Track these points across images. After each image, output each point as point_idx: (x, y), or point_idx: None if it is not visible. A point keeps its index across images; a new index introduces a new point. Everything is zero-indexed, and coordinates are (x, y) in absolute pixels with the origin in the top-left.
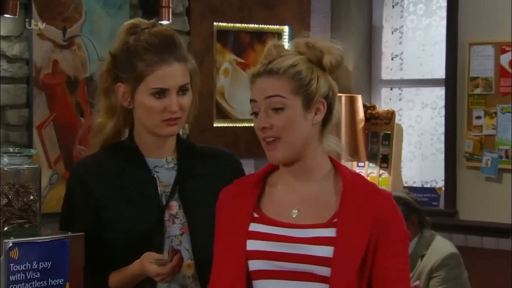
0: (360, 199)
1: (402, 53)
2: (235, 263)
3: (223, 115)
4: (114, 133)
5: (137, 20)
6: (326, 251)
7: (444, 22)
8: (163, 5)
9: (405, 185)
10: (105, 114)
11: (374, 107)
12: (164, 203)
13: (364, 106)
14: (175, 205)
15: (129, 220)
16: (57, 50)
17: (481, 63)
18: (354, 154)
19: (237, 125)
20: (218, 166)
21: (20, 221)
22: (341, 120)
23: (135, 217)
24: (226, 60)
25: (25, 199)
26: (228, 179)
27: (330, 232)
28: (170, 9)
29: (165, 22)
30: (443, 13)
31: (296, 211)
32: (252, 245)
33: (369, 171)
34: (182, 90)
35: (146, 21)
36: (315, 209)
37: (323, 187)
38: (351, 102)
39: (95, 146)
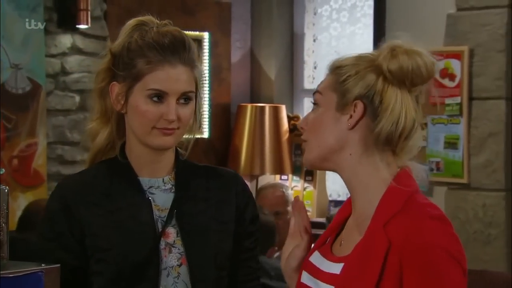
0: (381, 226)
1: (324, 62)
2: None
3: None
4: (106, 145)
5: (147, 17)
6: None
7: (370, 30)
8: (81, 8)
9: (330, 198)
10: (99, 119)
11: (297, 118)
12: (160, 229)
13: (287, 116)
14: (172, 232)
15: (119, 249)
16: None
17: None
18: (278, 167)
19: None
20: (222, 189)
21: None
22: (264, 132)
23: (126, 246)
24: None
25: None
26: (232, 203)
27: (337, 269)
28: (89, 13)
29: (83, 27)
30: (368, 21)
31: (343, 240)
32: (302, 277)
33: (293, 184)
34: (184, 98)
35: (157, 20)
36: (352, 237)
37: (368, 211)
38: (275, 113)
39: (89, 156)
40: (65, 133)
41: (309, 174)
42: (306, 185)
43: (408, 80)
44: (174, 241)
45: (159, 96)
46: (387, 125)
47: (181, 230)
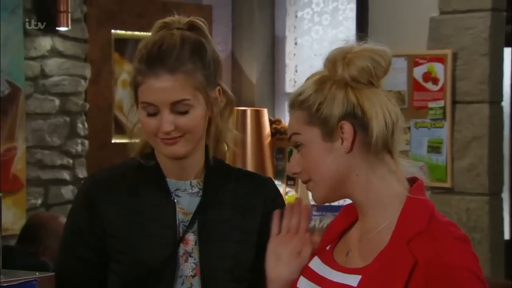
0: (404, 242)
1: (306, 65)
2: None
3: (122, 130)
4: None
5: (171, 18)
6: None
7: (352, 33)
8: (61, 9)
9: (312, 203)
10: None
11: (279, 122)
12: (180, 235)
13: (269, 120)
14: (191, 240)
15: (138, 251)
16: None
17: (394, 76)
18: (260, 171)
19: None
20: (251, 196)
21: None
22: (246, 136)
23: (145, 248)
24: (125, 70)
25: None
26: (259, 212)
27: (353, 280)
28: (69, 15)
29: (63, 29)
30: (350, 24)
31: (350, 251)
32: (300, 282)
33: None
34: (178, 107)
35: (181, 20)
36: (364, 250)
37: (385, 226)
38: (257, 116)
39: (133, 148)
40: (45, 137)
41: (291, 178)
42: (288, 189)
43: (373, 77)
44: (192, 250)
45: (152, 108)
46: (379, 131)
47: (200, 238)
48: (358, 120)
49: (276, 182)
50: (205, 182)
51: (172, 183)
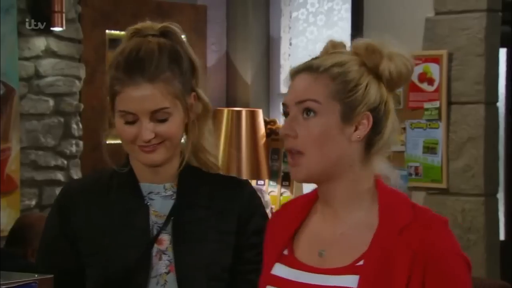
0: (395, 235)
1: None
2: None
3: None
4: None
5: (143, 24)
6: None
7: (347, 34)
8: (56, 10)
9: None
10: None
11: (274, 122)
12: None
13: (264, 121)
14: (166, 239)
15: (109, 253)
16: None
17: None
18: (255, 172)
19: None
20: (226, 198)
21: None
22: (241, 137)
23: (114, 251)
24: None
25: None
26: (234, 214)
27: (351, 281)
28: (64, 15)
29: (57, 29)
30: (345, 25)
31: (323, 250)
32: None
33: (269, 189)
34: (157, 116)
35: (154, 26)
36: (345, 247)
37: (361, 219)
38: (252, 117)
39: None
40: (39, 138)
41: (286, 179)
42: (283, 190)
43: (399, 84)
44: (166, 248)
45: (131, 117)
46: (387, 134)
47: (174, 237)
48: (378, 116)
49: (271, 183)
50: (179, 185)
51: (145, 186)
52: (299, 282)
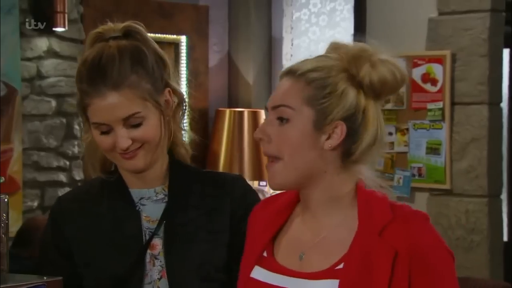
0: (375, 236)
1: None
2: None
3: None
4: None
5: (104, 26)
6: None
7: (350, 34)
8: (58, 10)
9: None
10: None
11: None
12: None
13: None
14: (158, 244)
15: (101, 262)
16: None
17: None
18: (257, 173)
19: None
20: (218, 195)
21: None
22: (243, 137)
23: (109, 259)
24: None
25: None
26: (226, 212)
27: (330, 286)
28: (66, 15)
29: (60, 30)
30: (348, 25)
31: (303, 253)
32: None
33: (271, 190)
34: (130, 121)
35: (116, 28)
36: (324, 251)
37: (341, 223)
38: (254, 118)
39: (92, 169)
40: (41, 139)
41: None
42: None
43: (383, 92)
44: (158, 253)
45: (104, 127)
46: (365, 143)
47: (165, 241)
48: (354, 125)
49: None
50: (169, 187)
51: (135, 192)
52: (278, 286)
